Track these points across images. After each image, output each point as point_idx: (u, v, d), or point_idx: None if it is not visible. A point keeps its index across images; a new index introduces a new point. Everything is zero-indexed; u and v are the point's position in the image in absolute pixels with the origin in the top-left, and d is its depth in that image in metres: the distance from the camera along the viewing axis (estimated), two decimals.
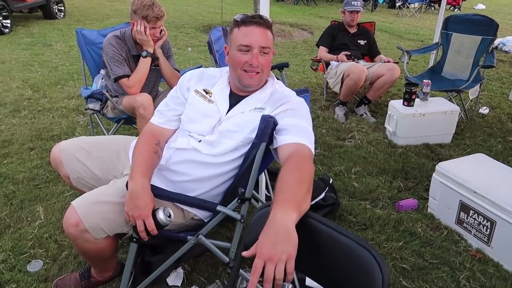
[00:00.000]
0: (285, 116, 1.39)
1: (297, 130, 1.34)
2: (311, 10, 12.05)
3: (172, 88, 2.52)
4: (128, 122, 2.64)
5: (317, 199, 2.24)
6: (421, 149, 3.14)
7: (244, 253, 0.94)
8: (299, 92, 1.64)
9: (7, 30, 7.08)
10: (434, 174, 2.31)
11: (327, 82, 4.03)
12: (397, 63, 3.78)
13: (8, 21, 7.19)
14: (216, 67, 2.74)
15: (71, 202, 1.35)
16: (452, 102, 3.49)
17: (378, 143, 3.25)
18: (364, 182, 2.65)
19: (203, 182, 1.49)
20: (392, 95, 4.43)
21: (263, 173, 2.13)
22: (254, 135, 1.41)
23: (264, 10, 2.06)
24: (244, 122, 1.45)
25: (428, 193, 2.40)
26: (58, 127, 3.29)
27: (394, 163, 2.91)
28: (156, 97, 2.61)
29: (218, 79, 1.58)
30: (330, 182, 2.41)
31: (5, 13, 7.08)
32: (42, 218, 2.14)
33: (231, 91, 1.54)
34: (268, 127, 1.37)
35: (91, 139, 1.77)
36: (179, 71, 2.66)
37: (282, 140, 1.32)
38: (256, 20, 1.43)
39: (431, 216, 2.32)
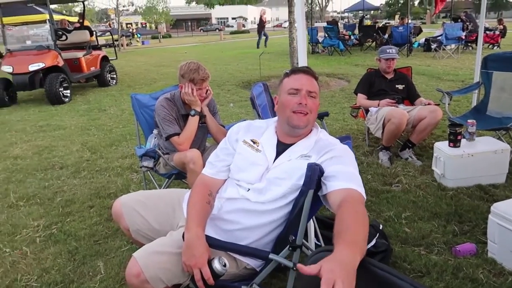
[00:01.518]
0: (331, 163, 1.44)
1: (345, 176, 1.38)
2: (346, 60, 12.30)
3: (218, 143, 2.67)
4: (179, 177, 2.76)
5: (368, 246, 2.20)
6: (473, 190, 3.01)
7: (305, 268, 0.92)
8: (340, 139, 1.69)
9: (67, 99, 7.80)
10: (490, 216, 2.21)
11: (368, 128, 4.03)
12: (438, 105, 3.75)
13: (68, 91, 7.93)
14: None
15: (133, 254, 1.43)
16: (501, 140, 3.37)
17: (427, 186, 3.16)
18: (416, 227, 2.57)
19: (254, 230, 1.54)
20: (437, 137, 4.34)
21: (311, 220, 2.14)
22: (301, 182, 1.46)
23: (302, 62, 2.18)
24: (291, 169, 1.52)
25: (486, 236, 2.28)
26: (114, 185, 3.50)
27: (446, 207, 2.80)
28: (204, 152, 2.75)
29: (265, 129, 1.68)
30: (380, 228, 2.37)
31: (65, 84, 7.84)
32: (103, 272, 2.24)
33: (278, 140, 1.63)
34: (314, 174, 1.41)
35: (148, 193, 1.89)
36: (224, 126, 2.81)
37: (332, 186, 1.36)
38: (304, 69, 1.63)
39: (492, 261, 2.19)
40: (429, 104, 3.75)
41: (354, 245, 1.02)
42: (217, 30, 52.77)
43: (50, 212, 3.04)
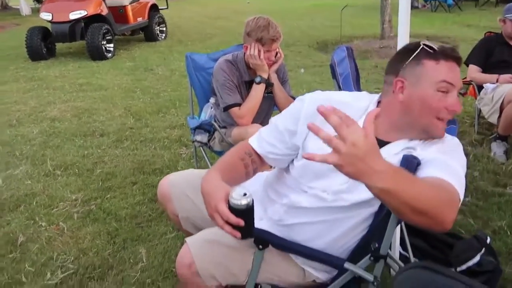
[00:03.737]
0: (431, 151, 1.38)
1: (445, 167, 1.29)
2: (454, 18, 11.60)
3: None
4: None
5: (470, 264, 2.11)
6: None
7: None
8: None
9: (110, 54, 8.21)
10: None
11: (480, 110, 3.83)
12: None
13: (112, 45, 8.34)
14: None
15: (186, 239, 1.49)
16: None
17: None
18: None
19: (326, 229, 1.50)
20: None
21: (398, 225, 2.10)
22: None
23: (404, 22, 2.02)
24: None
25: None
26: (160, 160, 3.67)
27: None
28: None
29: (351, 110, 1.41)
30: (488, 242, 2.26)
31: (109, 37, 8.24)
32: (144, 261, 2.39)
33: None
34: (410, 170, 1.36)
35: (202, 173, 1.94)
36: (294, 98, 2.79)
37: (423, 173, 1.29)
38: (457, 56, 1.42)
39: None
40: None
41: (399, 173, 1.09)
42: None
43: (89, 185, 3.27)
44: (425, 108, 1.38)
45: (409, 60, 1.41)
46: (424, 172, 1.30)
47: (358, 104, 1.52)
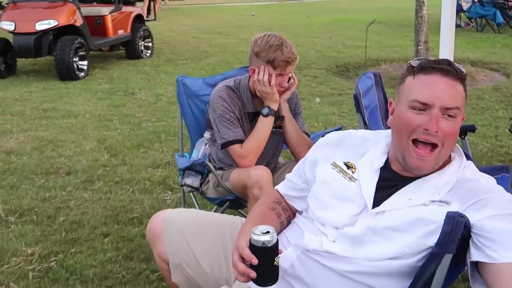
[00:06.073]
0: (492, 220, 1.35)
1: None
2: (505, 40, 11.75)
3: (297, 159, 2.69)
4: (235, 205, 2.81)
5: None
6: None
7: None
8: (492, 171, 1.61)
9: (82, 73, 8.30)
10: None
11: None
12: None
13: (85, 62, 8.43)
14: (366, 129, 2.82)
15: None
16: None
17: None
18: None
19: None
20: None
21: None
22: (430, 241, 1.39)
23: (447, 43, 2.06)
24: (416, 220, 1.44)
25: None
26: (139, 207, 3.65)
27: None
28: (275, 171, 2.76)
29: (371, 147, 1.62)
30: None
31: (82, 53, 8.33)
32: None
33: (387, 166, 1.57)
34: (457, 232, 1.34)
35: (206, 215, 2.00)
36: (309, 135, 2.80)
37: (499, 256, 1.27)
38: (443, 66, 1.46)
39: None
40: None
41: None
42: None
43: (49, 237, 3.24)
44: (400, 127, 1.48)
45: (399, 83, 1.56)
46: (504, 255, 1.27)
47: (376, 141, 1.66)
